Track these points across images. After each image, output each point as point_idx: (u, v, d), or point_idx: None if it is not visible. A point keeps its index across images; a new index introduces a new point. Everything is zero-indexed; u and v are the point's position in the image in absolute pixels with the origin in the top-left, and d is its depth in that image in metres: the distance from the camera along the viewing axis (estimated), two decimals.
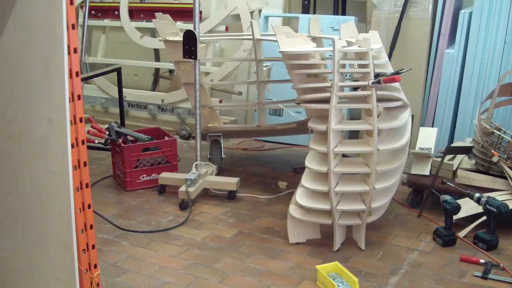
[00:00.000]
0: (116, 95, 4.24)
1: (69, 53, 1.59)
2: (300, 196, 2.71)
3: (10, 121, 1.72)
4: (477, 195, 2.76)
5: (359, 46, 2.57)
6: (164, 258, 2.68)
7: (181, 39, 3.17)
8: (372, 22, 3.88)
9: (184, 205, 3.17)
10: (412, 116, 3.01)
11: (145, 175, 3.47)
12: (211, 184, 3.37)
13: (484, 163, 3.01)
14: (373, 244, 2.76)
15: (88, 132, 3.64)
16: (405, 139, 2.67)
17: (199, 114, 3.27)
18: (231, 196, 3.31)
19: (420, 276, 2.50)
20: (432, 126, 3.74)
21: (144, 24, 4.62)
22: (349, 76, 3.02)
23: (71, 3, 1.57)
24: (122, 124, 4.03)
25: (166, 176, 3.39)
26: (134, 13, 4.66)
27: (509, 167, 2.90)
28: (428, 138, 3.24)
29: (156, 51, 4.83)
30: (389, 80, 2.52)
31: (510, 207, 2.72)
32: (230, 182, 3.32)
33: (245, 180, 3.50)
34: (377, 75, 2.54)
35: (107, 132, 3.56)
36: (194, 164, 3.32)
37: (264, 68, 3.58)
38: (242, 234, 2.89)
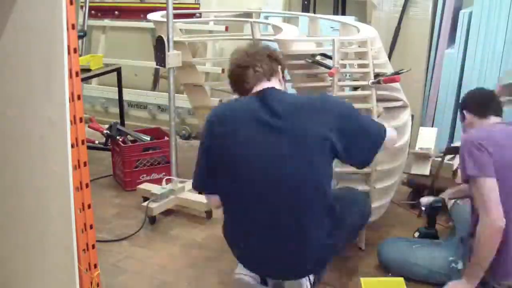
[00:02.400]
0: (116, 95, 4.24)
1: (69, 53, 1.59)
2: None
3: (10, 121, 1.72)
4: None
5: (359, 46, 2.58)
6: (164, 258, 2.69)
7: (180, 39, 3.16)
8: (372, 22, 3.88)
9: (151, 220, 3.02)
10: (412, 116, 3.01)
11: (145, 175, 3.47)
12: (182, 201, 3.13)
13: None
14: (373, 244, 2.75)
15: (89, 126, 3.63)
16: (404, 139, 2.67)
17: (173, 126, 3.11)
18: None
19: None
20: (432, 126, 3.74)
21: (144, 24, 4.62)
22: (349, 76, 3.02)
23: (71, 3, 1.58)
24: (122, 124, 4.03)
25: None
26: (134, 13, 4.66)
27: None
28: (428, 138, 3.24)
29: None
30: (389, 80, 2.52)
31: None
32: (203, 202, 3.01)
33: None
34: (377, 75, 2.54)
35: (106, 130, 3.56)
36: (164, 179, 3.18)
37: None
38: None
